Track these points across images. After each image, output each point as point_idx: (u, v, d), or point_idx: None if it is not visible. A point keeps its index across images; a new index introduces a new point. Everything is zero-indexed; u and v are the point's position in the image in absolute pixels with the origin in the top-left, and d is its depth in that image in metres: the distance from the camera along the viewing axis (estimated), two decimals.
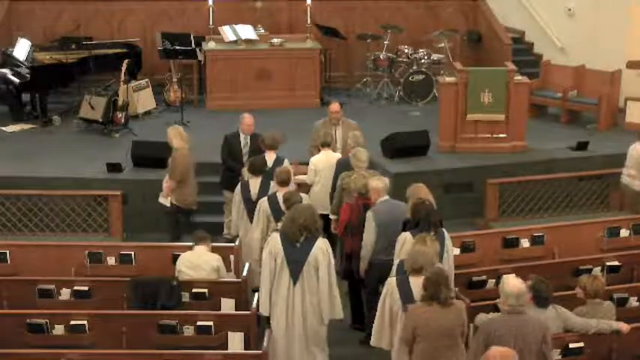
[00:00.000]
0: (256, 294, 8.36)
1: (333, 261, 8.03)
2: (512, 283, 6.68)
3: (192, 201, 10.67)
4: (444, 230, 8.21)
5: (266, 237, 8.78)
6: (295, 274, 7.88)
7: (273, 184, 9.78)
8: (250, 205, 9.76)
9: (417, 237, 7.58)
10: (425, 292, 6.85)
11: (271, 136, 10.45)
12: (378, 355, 8.02)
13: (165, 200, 10.54)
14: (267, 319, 8.16)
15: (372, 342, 7.61)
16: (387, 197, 8.80)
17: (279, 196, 9.18)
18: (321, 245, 7.95)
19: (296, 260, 7.87)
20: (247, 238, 9.65)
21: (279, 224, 8.50)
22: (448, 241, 8.21)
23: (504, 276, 6.77)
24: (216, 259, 8.80)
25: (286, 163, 10.38)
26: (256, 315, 8.11)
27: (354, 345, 9.04)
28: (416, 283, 7.17)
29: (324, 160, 10.47)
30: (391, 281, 7.42)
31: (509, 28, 16.68)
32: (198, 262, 8.72)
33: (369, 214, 8.69)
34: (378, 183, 8.79)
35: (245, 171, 10.40)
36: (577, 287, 7.70)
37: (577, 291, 7.68)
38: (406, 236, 8.04)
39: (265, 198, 9.46)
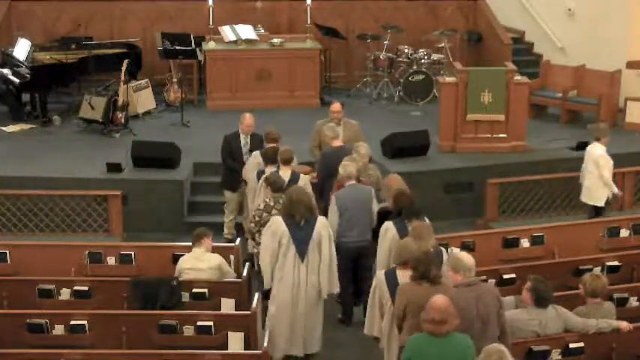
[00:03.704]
0: (256, 294, 8.40)
1: (333, 237, 8.47)
2: (466, 257, 6.94)
3: None
4: (426, 219, 8.45)
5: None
6: (302, 253, 8.26)
7: None
8: None
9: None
10: (414, 272, 7.03)
11: (275, 131, 10.59)
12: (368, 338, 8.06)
13: None
14: (265, 295, 8.47)
15: (365, 330, 7.87)
16: (353, 182, 9.19)
17: (281, 174, 9.56)
18: (323, 222, 8.46)
19: (302, 239, 8.26)
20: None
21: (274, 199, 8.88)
22: None
23: (455, 251, 6.91)
24: (216, 257, 8.79)
25: None
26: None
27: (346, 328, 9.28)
28: (403, 276, 7.33)
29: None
30: (379, 274, 7.62)
31: (509, 28, 16.67)
32: (198, 264, 8.68)
33: (332, 198, 9.19)
34: (345, 168, 9.21)
35: (246, 171, 10.46)
36: (579, 285, 7.69)
37: (580, 289, 7.67)
38: (388, 225, 8.33)
39: (269, 174, 9.71)
